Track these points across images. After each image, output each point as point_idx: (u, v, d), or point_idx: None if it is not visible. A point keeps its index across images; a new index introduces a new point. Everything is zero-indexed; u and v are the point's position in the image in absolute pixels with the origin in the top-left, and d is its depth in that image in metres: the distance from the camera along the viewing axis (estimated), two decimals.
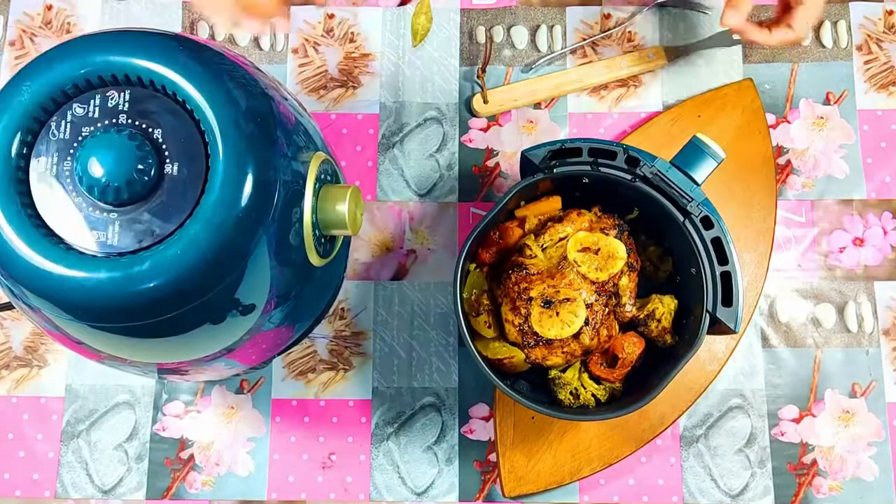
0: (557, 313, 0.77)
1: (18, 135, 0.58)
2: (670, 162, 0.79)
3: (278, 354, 0.86)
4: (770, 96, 0.97)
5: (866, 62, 0.98)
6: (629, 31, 1.00)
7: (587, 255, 0.79)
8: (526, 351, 0.79)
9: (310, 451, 0.91)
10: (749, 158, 0.93)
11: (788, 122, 0.97)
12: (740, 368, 0.91)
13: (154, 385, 0.92)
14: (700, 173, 0.79)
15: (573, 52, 0.99)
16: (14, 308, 0.68)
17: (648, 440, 0.87)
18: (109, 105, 0.60)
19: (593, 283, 0.78)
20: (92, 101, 0.60)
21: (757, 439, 0.90)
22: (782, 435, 0.90)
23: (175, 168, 0.59)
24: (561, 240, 0.81)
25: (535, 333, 0.78)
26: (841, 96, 0.97)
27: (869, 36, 0.99)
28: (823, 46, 0.99)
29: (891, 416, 0.90)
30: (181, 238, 0.57)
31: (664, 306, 0.82)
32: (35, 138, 0.59)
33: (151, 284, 0.57)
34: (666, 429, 0.88)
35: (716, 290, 0.78)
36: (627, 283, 0.80)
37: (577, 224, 0.81)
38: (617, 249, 0.79)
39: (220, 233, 0.57)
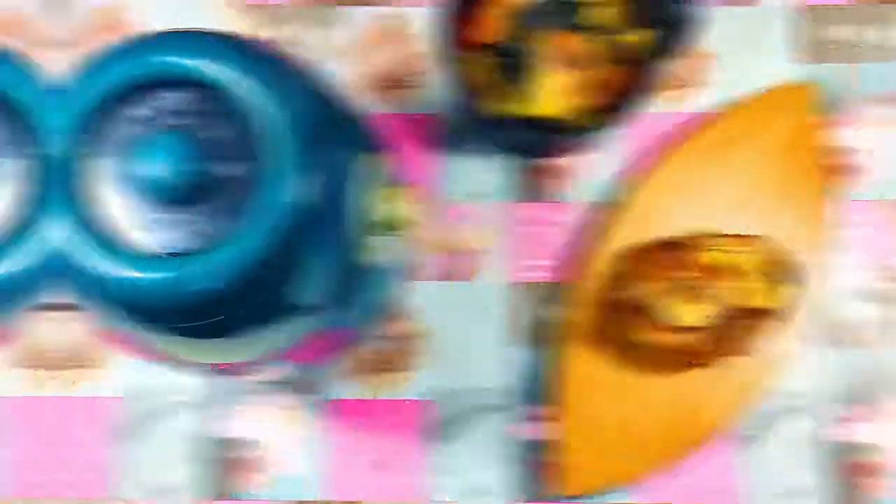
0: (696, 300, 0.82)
1: (75, 135, 0.58)
2: None
3: (335, 355, 0.86)
4: (829, 97, 0.96)
5: None
6: None
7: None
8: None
9: (365, 452, 0.91)
10: (805, 161, 0.91)
11: (849, 124, 0.95)
12: (801, 369, 0.90)
13: (210, 385, 0.93)
14: None
15: None
16: (70, 307, 0.68)
17: (706, 441, 0.86)
18: (165, 105, 0.60)
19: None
20: (148, 102, 0.60)
21: (817, 441, 0.88)
22: (844, 437, 0.88)
23: (230, 169, 0.59)
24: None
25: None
26: None
27: None
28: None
29: None
30: (236, 239, 0.57)
31: None
32: (92, 138, 0.59)
33: (206, 286, 0.57)
34: (723, 429, 0.87)
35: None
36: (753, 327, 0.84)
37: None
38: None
39: (275, 234, 0.58)
